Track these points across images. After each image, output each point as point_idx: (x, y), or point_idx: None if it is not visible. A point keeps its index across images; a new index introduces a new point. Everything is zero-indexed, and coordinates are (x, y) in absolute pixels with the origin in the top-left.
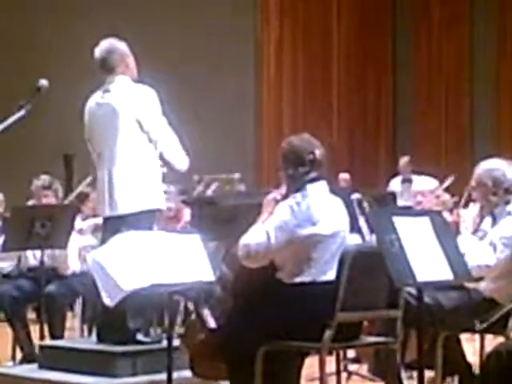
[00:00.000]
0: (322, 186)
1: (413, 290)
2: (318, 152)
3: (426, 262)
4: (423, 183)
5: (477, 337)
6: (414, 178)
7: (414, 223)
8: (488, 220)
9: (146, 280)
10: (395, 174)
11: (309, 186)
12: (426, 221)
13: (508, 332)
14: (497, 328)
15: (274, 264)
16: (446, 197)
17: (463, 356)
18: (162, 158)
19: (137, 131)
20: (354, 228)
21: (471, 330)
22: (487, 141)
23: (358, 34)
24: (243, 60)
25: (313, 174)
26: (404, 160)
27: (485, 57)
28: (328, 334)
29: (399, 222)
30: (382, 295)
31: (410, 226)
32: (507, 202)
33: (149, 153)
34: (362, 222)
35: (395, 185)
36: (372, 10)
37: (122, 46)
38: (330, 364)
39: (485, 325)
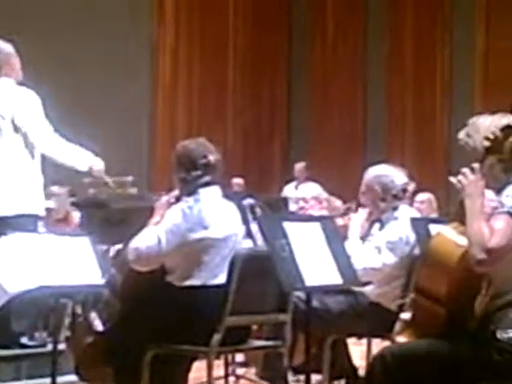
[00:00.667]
0: (214, 191)
1: (302, 294)
2: (211, 157)
3: (316, 266)
4: (307, 189)
5: (364, 341)
6: (301, 184)
7: (305, 228)
8: (377, 225)
9: (32, 282)
10: (289, 180)
11: (201, 190)
12: (316, 226)
13: (393, 335)
14: (382, 331)
15: (163, 267)
16: (338, 203)
17: (350, 359)
18: (56, 161)
19: (15, 134)
20: (245, 232)
21: (358, 333)
22: (379, 147)
23: (253, 40)
24: (139, 65)
25: (206, 178)
26: (299, 166)
27: (378, 64)
28: (216, 338)
29: (290, 227)
30: (271, 299)
31: (300, 232)
32: (395, 208)
33: (27, 156)
34: (254, 227)
35: (289, 191)
36: (268, 17)
37: (7, 47)
38: (219, 368)
39: None
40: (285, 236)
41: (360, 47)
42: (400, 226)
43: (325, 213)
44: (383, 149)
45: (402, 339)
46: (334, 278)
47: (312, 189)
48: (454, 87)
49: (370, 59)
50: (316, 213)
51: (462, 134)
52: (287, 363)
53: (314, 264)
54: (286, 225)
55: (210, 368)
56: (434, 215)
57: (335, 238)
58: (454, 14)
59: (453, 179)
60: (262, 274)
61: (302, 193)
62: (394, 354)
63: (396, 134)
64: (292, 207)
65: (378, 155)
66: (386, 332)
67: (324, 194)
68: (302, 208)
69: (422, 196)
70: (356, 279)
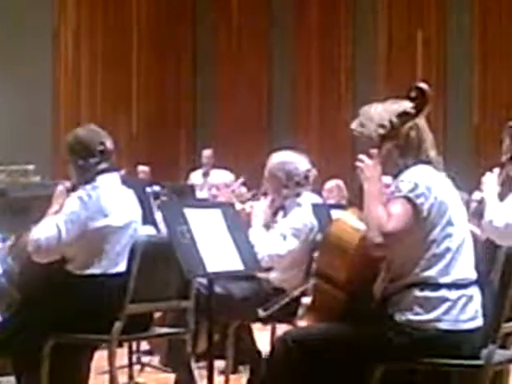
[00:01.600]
0: (113, 177)
1: (204, 281)
2: (108, 143)
3: (217, 252)
4: (219, 176)
5: (269, 326)
6: (213, 171)
7: (206, 215)
8: (281, 213)
9: None
10: (195, 168)
11: (99, 178)
12: (217, 213)
13: (296, 320)
14: (286, 316)
15: (63, 256)
16: (243, 190)
17: (254, 345)
18: None
19: None
20: (149, 220)
21: (260, 319)
22: (285, 134)
23: (157, 25)
24: (40, 49)
25: (103, 165)
26: (207, 152)
27: (282, 53)
28: (117, 326)
29: (190, 213)
30: (174, 286)
31: (201, 218)
32: (298, 195)
33: None
34: (158, 215)
35: (196, 178)
36: (173, 5)
37: None
38: (124, 356)
39: (269, 312)
40: (186, 222)
41: (265, 37)
42: (304, 213)
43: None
44: (289, 136)
45: (303, 323)
46: (236, 264)
47: (223, 176)
48: (357, 75)
49: (276, 48)
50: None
51: (354, 125)
52: (190, 350)
53: (216, 250)
54: (187, 211)
55: (111, 356)
56: (344, 202)
57: (236, 224)
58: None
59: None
60: (164, 260)
61: (214, 180)
62: (294, 338)
63: (302, 122)
64: (202, 194)
65: (283, 142)
66: (289, 317)
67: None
68: (214, 196)
69: (330, 183)
70: (257, 265)
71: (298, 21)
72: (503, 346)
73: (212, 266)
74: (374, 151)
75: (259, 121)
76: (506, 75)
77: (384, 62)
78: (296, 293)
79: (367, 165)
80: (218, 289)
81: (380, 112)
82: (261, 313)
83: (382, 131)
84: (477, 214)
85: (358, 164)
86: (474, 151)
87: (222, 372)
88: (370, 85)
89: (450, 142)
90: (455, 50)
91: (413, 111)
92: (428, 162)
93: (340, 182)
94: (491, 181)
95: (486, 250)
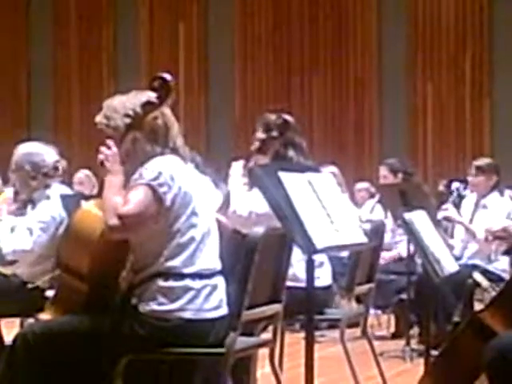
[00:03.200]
0: None
1: None
2: None
3: None
4: None
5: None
6: None
7: None
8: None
9: None
10: None
11: None
12: None
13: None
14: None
15: None
16: None
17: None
18: None
19: None
20: None
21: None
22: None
23: None
24: None
25: None
26: None
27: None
28: None
29: None
30: None
31: None
32: (47, 187)
33: None
34: None
35: None
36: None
37: None
38: None
39: None
40: None
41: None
42: (52, 205)
43: None
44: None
45: (45, 316)
46: None
47: None
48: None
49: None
50: None
51: (99, 118)
52: None
53: None
54: None
55: None
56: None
57: None
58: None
59: None
60: None
61: None
62: (34, 332)
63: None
64: None
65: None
66: (36, 311)
67: None
68: None
69: (80, 174)
70: (2, 259)
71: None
72: (251, 334)
73: None
74: (110, 143)
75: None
76: (264, 70)
77: (147, 52)
78: (40, 283)
79: (107, 156)
80: None
81: (124, 102)
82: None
83: (127, 121)
84: (225, 205)
85: (99, 156)
86: (234, 145)
87: None
88: (134, 76)
89: (212, 135)
90: (217, 47)
91: (156, 101)
92: (175, 151)
93: (89, 173)
94: (236, 171)
95: (233, 241)
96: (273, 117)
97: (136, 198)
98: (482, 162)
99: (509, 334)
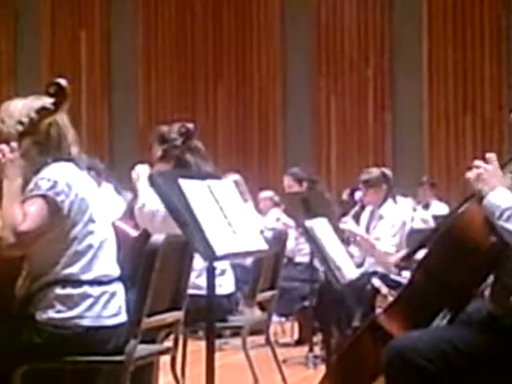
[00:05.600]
0: None
1: None
2: None
3: None
4: None
5: None
6: None
7: None
8: None
9: None
10: None
11: None
12: None
13: None
14: None
15: None
16: None
17: None
18: None
19: None
20: None
21: None
22: None
23: None
24: None
25: None
26: None
27: None
28: None
29: None
30: None
31: None
32: None
33: None
34: None
35: None
36: None
37: None
38: None
39: None
40: None
41: None
42: None
43: None
44: None
45: None
46: None
47: None
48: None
49: None
50: None
51: None
52: None
53: None
54: None
55: None
56: None
57: None
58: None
59: None
60: None
61: None
62: None
63: None
64: None
65: None
66: None
67: None
68: None
69: None
70: None
71: None
72: (153, 341)
73: None
74: (14, 145)
75: None
76: (169, 77)
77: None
78: None
79: (6, 156)
80: None
81: (20, 108)
82: None
83: (20, 128)
84: (128, 212)
85: None
86: (137, 153)
87: None
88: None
89: (115, 142)
90: (120, 53)
91: (52, 107)
92: (70, 160)
93: None
94: (143, 172)
95: (133, 248)
96: (165, 128)
97: (34, 213)
98: (368, 175)
99: (406, 336)
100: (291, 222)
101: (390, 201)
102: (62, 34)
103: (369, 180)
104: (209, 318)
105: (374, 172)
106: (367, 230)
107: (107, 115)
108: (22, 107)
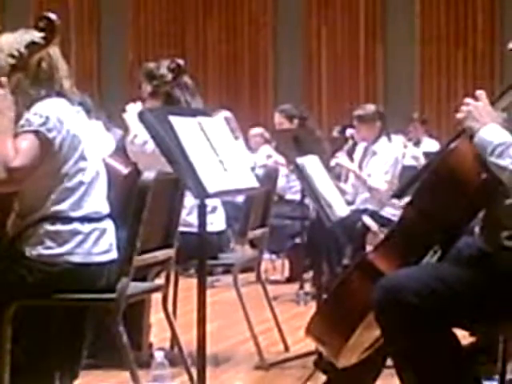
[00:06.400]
0: None
1: None
2: None
3: None
4: None
5: None
6: None
7: None
8: None
9: None
10: None
11: None
12: None
13: None
14: None
15: None
16: None
17: None
18: None
19: None
20: None
21: None
22: None
23: None
24: None
25: None
26: None
27: None
28: None
29: None
30: None
31: None
32: None
33: None
34: None
35: None
36: None
37: None
38: None
39: None
40: None
41: None
42: None
43: None
44: None
45: None
46: None
47: None
48: None
49: None
50: None
51: None
52: None
53: None
54: None
55: None
56: None
57: None
58: None
59: None
60: None
61: None
62: None
63: None
64: None
65: None
66: None
67: None
68: None
69: None
70: None
71: None
72: (144, 279)
73: None
74: (3, 79)
75: None
76: (158, 13)
77: None
78: None
79: None
80: None
81: (10, 42)
82: None
83: (11, 61)
84: (118, 150)
85: None
86: (127, 90)
87: None
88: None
89: (104, 79)
90: None
91: (42, 41)
92: (62, 94)
93: None
94: (134, 109)
95: (124, 185)
96: (153, 65)
97: (26, 149)
98: (362, 111)
99: (396, 274)
100: (282, 160)
101: (384, 138)
102: None
103: (363, 115)
104: (200, 256)
105: (369, 108)
106: (360, 166)
107: (96, 52)
108: (13, 41)
